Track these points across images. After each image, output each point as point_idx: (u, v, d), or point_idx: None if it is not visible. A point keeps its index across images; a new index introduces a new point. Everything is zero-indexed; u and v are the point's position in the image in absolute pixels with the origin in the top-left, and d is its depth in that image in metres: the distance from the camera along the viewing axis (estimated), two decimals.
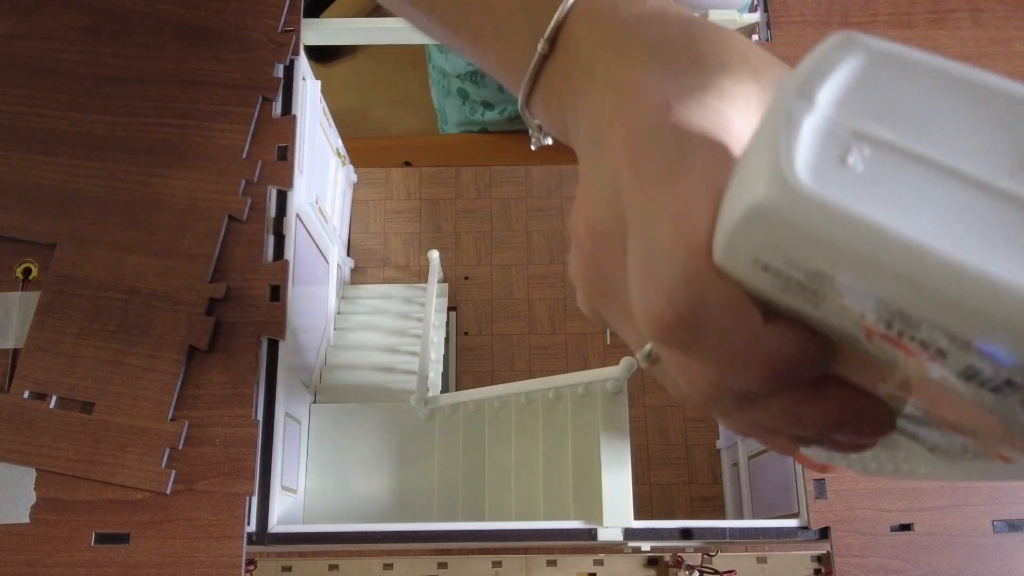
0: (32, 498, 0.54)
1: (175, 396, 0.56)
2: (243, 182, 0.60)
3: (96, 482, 0.54)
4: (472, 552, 0.69)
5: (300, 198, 0.64)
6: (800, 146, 0.17)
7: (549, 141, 0.32)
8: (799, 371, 0.20)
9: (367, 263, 0.91)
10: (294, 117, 0.63)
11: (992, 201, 0.16)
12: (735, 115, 0.23)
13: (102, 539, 0.53)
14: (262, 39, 0.64)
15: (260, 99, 0.62)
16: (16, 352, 0.57)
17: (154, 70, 0.63)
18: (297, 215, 0.64)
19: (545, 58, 0.28)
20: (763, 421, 0.23)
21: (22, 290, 0.58)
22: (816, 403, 0.21)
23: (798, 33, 0.66)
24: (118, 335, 0.56)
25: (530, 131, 0.32)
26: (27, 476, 0.54)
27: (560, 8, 0.27)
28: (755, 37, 0.66)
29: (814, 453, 0.26)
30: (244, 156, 0.61)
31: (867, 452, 0.25)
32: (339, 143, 0.85)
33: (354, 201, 0.93)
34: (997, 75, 0.18)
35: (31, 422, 0.55)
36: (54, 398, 0.56)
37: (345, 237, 0.90)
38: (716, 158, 0.21)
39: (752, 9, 0.68)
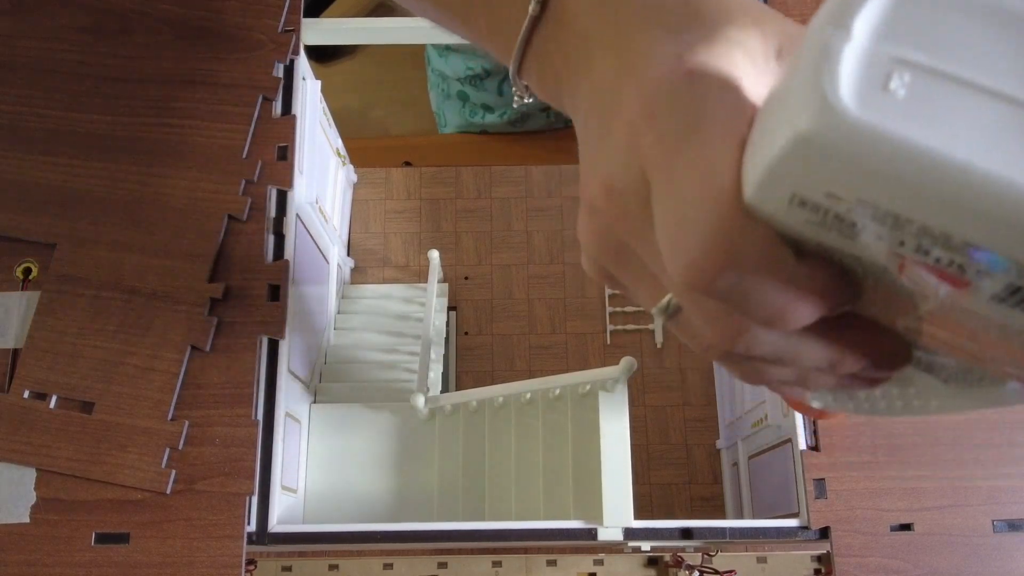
0: (32, 498, 0.54)
1: (175, 396, 0.55)
2: (243, 182, 0.60)
3: (96, 482, 0.54)
4: (472, 552, 0.69)
5: (300, 198, 0.64)
6: (841, 74, 0.17)
7: (531, 100, 0.32)
8: (830, 308, 0.21)
9: (367, 263, 0.91)
10: (294, 117, 0.63)
11: None
12: (744, 64, 0.23)
13: (102, 539, 0.53)
14: (262, 39, 0.64)
15: (260, 99, 0.62)
16: (16, 352, 0.57)
17: (154, 70, 0.63)
18: (297, 215, 0.63)
19: (536, 20, 0.28)
20: (785, 362, 0.23)
21: (22, 290, 0.58)
22: (841, 339, 0.22)
23: None
24: (118, 335, 0.56)
25: (515, 89, 0.32)
26: (27, 476, 0.54)
27: None
28: None
29: (820, 396, 0.26)
30: (244, 156, 0.61)
31: (876, 390, 0.25)
32: (339, 143, 0.85)
33: (354, 201, 0.93)
34: None
35: (31, 422, 0.55)
36: (54, 398, 0.56)
37: (345, 237, 0.90)
38: (734, 105, 0.21)
39: None
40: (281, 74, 0.63)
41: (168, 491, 0.54)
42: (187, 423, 0.55)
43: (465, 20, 0.32)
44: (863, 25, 0.18)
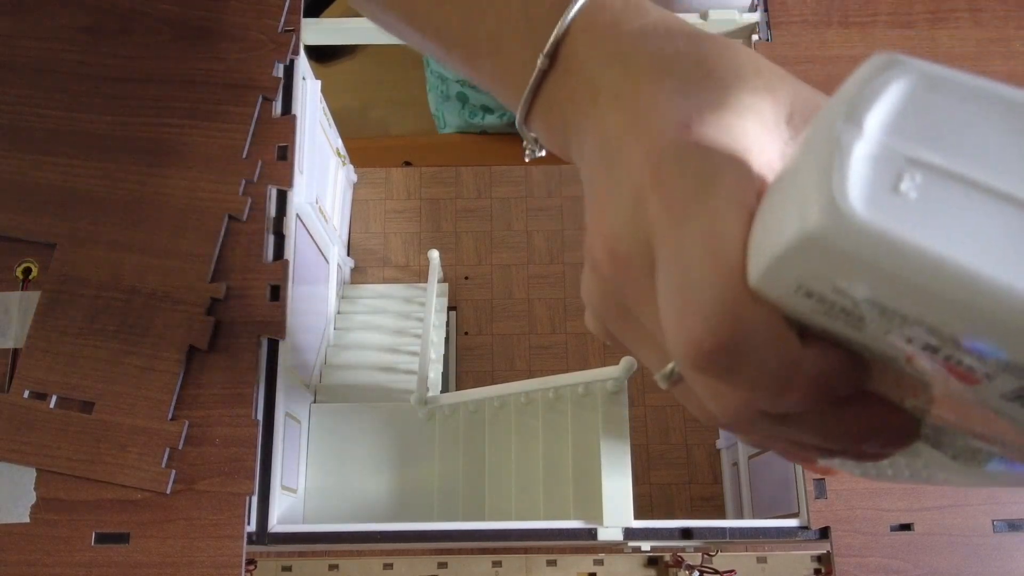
0: (32, 498, 0.54)
1: (175, 396, 0.55)
2: (243, 182, 0.60)
3: (96, 482, 0.54)
4: (472, 552, 0.69)
5: (300, 198, 0.64)
6: (852, 173, 0.17)
7: (543, 153, 0.32)
8: (837, 392, 0.20)
9: (367, 263, 0.91)
10: (294, 117, 0.63)
11: None
12: (755, 131, 0.22)
13: (102, 539, 0.53)
14: (262, 39, 0.64)
15: (260, 99, 0.62)
16: (16, 352, 0.57)
17: (154, 70, 0.63)
18: (297, 215, 0.64)
19: (545, 74, 0.28)
20: (791, 437, 0.22)
21: (22, 290, 0.58)
22: (847, 418, 0.21)
23: (798, 33, 0.66)
24: (118, 335, 0.56)
25: (525, 142, 0.31)
26: (27, 476, 0.54)
27: (560, 22, 0.27)
28: (755, 37, 0.66)
29: (827, 460, 0.26)
30: (244, 156, 0.61)
31: (885, 460, 0.25)
32: (339, 143, 0.85)
33: (354, 201, 0.93)
34: None
35: (31, 422, 0.55)
36: (54, 398, 0.56)
37: (345, 237, 0.90)
38: (742, 177, 0.21)
39: (752, 9, 0.68)
40: (281, 74, 0.63)
41: (168, 491, 0.54)
42: (187, 423, 0.55)
43: (468, 60, 0.32)
44: (875, 120, 0.17)
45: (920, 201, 0.16)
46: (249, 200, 0.60)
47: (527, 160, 0.33)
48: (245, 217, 0.60)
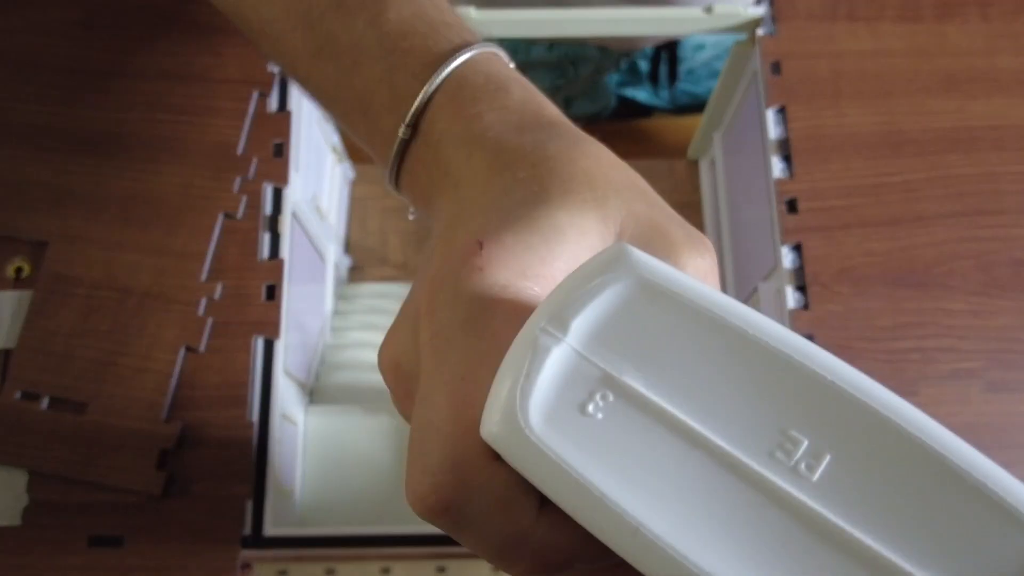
0: (24, 500, 0.53)
1: (169, 397, 0.55)
2: (238, 179, 0.59)
3: (89, 484, 0.53)
4: (471, 556, 0.69)
5: (296, 195, 0.64)
6: (539, 384, 0.16)
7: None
8: (569, 565, 0.19)
9: (365, 261, 0.90)
10: (290, 113, 0.62)
11: (741, 487, 0.15)
12: (552, 259, 0.21)
13: (95, 542, 0.52)
14: None
15: (256, 94, 0.61)
16: (8, 352, 0.56)
17: (148, 64, 0.62)
18: (293, 213, 0.63)
19: (407, 143, 0.27)
20: None
21: (14, 289, 0.58)
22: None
23: (803, 27, 0.65)
24: (111, 335, 0.56)
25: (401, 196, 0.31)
26: (19, 478, 0.53)
27: (422, 94, 0.26)
28: (759, 32, 0.65)
29: None
30: (239, 152, 0.60)
31: None
32: (336, 139, 0.84)
33: (352, 198, 0.92)
34: (784, 330, 0.17)
35: (23, 423, 0.54)
36: (46, 399, 0.55)
37: (342, 235, 0.89)
38: (508, 323, 0.19)
39: (757, 3, 0.67)
40: (277, 69, 0.62)
41: (162, 493, 0.53)
42: (181, 424, 0.54)
43: (343, 116, 0.31)
44: (580, 328, 0.16)
45: (604, 423, 0.16)
46: (244, 198, 0.59)
47: (410, 219, 0.33)
48: (240, 215, 0.59)
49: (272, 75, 0.62)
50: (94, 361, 0.55)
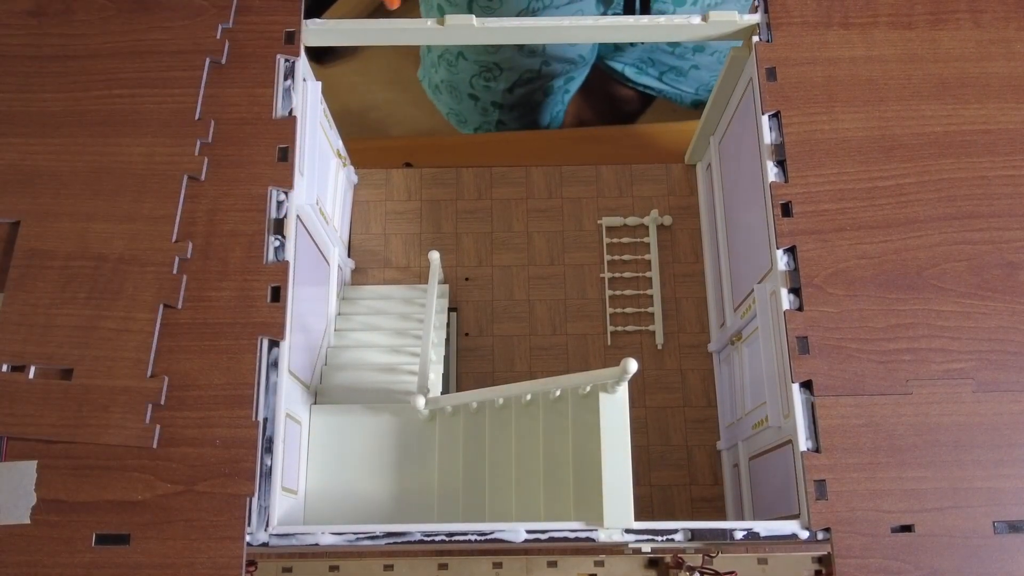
0: (33, 499, 0.54)
1: (152, 353, 0.57)
2: (198, 142, 0.62)
3: (95, 482, 0.54)
4: (473, 553, 0.69)
5: (301, 199, 0.64)
6: None
7: None
8: None
9: (368, 264, 0.91)
10: (295, 118, 0.63)
11: None
12: None
13: (102, 540, 0.53)
14: (203, 4, 0.66)
15: (208, 61, 0.64)
16: None
17: (100, 45, 0.65)
18: (298, 216, 0.64)
19: None
20: None
21: None
22: None
23: (798, 34, 0.66)
24: (90, 301, 0.58)
25: None
26: (28, 477, 0.54)
27: None
28: (755, 39, 0.66)
29: None
30: (197, 117, 0.63)
31: None
32: (339, 144, 0.85)
33: (355, 202, 0.93)
34: None
35: (12, 394, 0.56)
36: (32, 369, 0.57)
37: (346, 238, 0.90)
38: None
39: (753, 10, 0.68)
40: (220, 35, 0.65)
41: (154, 445, 0.54)
42: (166, 378, 0.56)
43: None
44: None
45: None
46: (206, 159, 0.61)
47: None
48: (203, 176, 0.61)
49: (222, 41, 0.65)
50: (76, 328, 0.57)
